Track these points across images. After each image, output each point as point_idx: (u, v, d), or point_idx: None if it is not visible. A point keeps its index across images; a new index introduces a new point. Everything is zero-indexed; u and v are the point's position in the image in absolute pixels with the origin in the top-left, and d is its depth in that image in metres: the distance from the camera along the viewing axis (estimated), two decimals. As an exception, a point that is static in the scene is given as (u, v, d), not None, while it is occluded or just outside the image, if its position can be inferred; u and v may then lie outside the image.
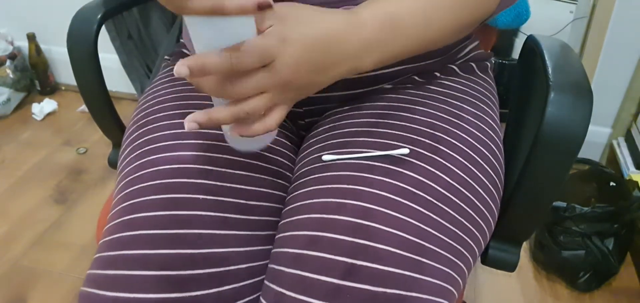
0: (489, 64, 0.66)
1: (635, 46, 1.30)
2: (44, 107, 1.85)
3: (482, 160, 0.52)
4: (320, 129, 0.57)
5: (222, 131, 0.49)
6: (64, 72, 1.98)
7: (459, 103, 0.55)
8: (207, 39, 0.40)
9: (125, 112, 0.63)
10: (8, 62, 1.83)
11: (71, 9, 0.69)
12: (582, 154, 1.28)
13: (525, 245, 1.28)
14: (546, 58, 0.52)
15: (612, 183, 1.19)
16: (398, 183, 0.46)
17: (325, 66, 0.44)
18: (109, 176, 1.55)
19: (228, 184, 0.51)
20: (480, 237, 0.50)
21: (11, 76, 1.83)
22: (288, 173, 0.57)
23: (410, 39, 0.48)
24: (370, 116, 0.54)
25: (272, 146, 0.57)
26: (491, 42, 0.91)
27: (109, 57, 0.86)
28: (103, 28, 0.67)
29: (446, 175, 0.48)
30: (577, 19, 1.42)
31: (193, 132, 0.54)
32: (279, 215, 0.53)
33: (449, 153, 0.50)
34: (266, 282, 0.47)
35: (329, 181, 0.48)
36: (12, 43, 1.87)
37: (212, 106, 0.58)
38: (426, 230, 0.45)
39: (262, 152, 0.55)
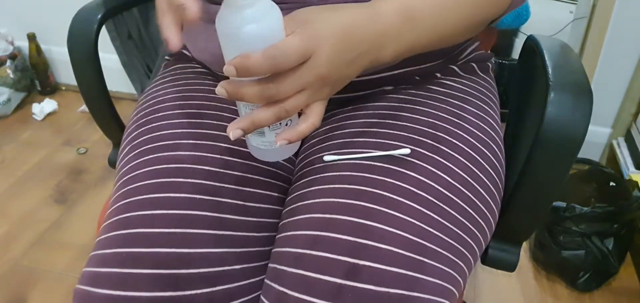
0: (489, 65, 0.66)
1: (635, 46, 1.30)
2: (44, 107, 1.85)
3: (483, 160, 0.52)
4: (321, 130, 0.57)
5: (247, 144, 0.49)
6: (64, 72, 1.98)
7: (460, 103, 0.55)
8: (240, 50, 0.40)
9: (125, 112, 0.62)
10: (8, 62, 1.83)
11: (71, 9, 0.69)
12: (582, 154, 1.28)
13: (525, 245, 1.28)
14: (546, 58, 0.52)
15: (612, 183, 1.19)
16: (399, 183, 0.46)
17: (353, 57, 0.44)
18: (109, 176, 1.55)
19: (225, 185, 0.51)
20: (481, 237, 0.50)
21: (11, 76, 1.83)
22: (286, 175, 0.57)
23: (427, 31, 0.48)
24: (371, 117, 0.54)
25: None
26: (491, 42, 0.91)
27: (109, 57, 0.86)
28: (103, 28, 0.67)
29: (447, 175, 0.48)
30: (577, 19, 1.42)
31: (191, 132, 0.54)
32: (276, 216, 0.53)
33: (450, 153, 0.50)
34: (267, 281, 0.47)
35: (330, 181, 0.48)
36: (12, 43, 1.87)
37: (211, 106, 0.59)
38: (427, 230, 0.45)
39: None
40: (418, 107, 0.54)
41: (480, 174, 0.51)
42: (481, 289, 1.19)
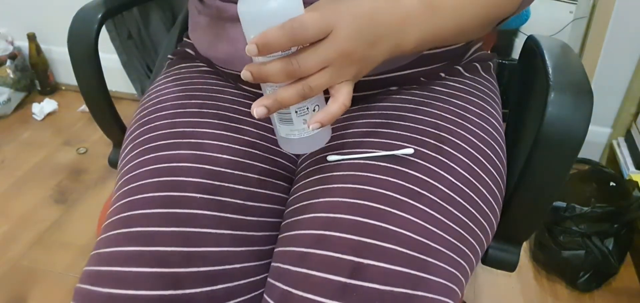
0: (492, 64, 0.66)
1: (635, 46, 1.30)
2: (44, 107, 1.85)
3: (485, 161, 0.52)
4: None
5: (275, 134, 0.49)
6: (64, 72, 1.98)
7: (463, 103, 0.55)
8: (262, 27, 0.40)
9: (125, 112, 0.63)
10: (8, 62, 1.83)
11: (71, 9, 0.69)
12: (582, 154, 1.28)
13: (525, 245, 1.28)
14: (546, 58, 0.53)
15: (612, 183, 1.19)
16: (403, 183, 0.46)
17: (375, 38, 0.44)
18: (109, 176, 1.55)
19: (226, 184, 0.51)
20: (482, 237, 0.50)
21: (11, 75, 1.83)
22: (288, 174, 0.58)
23: (448, 21, 0.48)
24: (375, 117, 0.54)
25: (272, 147, 0.57)
26: (491, 42, 0.91)
27: (109, 57, 0.86)
28: (103, 28, 0.67)
29: (450, 175, 0.48)
30: (577, 19, 1.42)
31: (193, 131, 0.54)
32: (277, 216, 0.53)
33: (453, 153, 0.50)
34: (271, 280, 0.47)
35: (334, 181, 0.48)
36: (12, 43, 1.87)
37: (214, 105, 0.59)
38: (431, 229, 0.45)
39: (261, 153, 0.55)
40: (421, 107, 0.54)
41: (483, 174, 0.51)
42: (481, 289, 1.19)
